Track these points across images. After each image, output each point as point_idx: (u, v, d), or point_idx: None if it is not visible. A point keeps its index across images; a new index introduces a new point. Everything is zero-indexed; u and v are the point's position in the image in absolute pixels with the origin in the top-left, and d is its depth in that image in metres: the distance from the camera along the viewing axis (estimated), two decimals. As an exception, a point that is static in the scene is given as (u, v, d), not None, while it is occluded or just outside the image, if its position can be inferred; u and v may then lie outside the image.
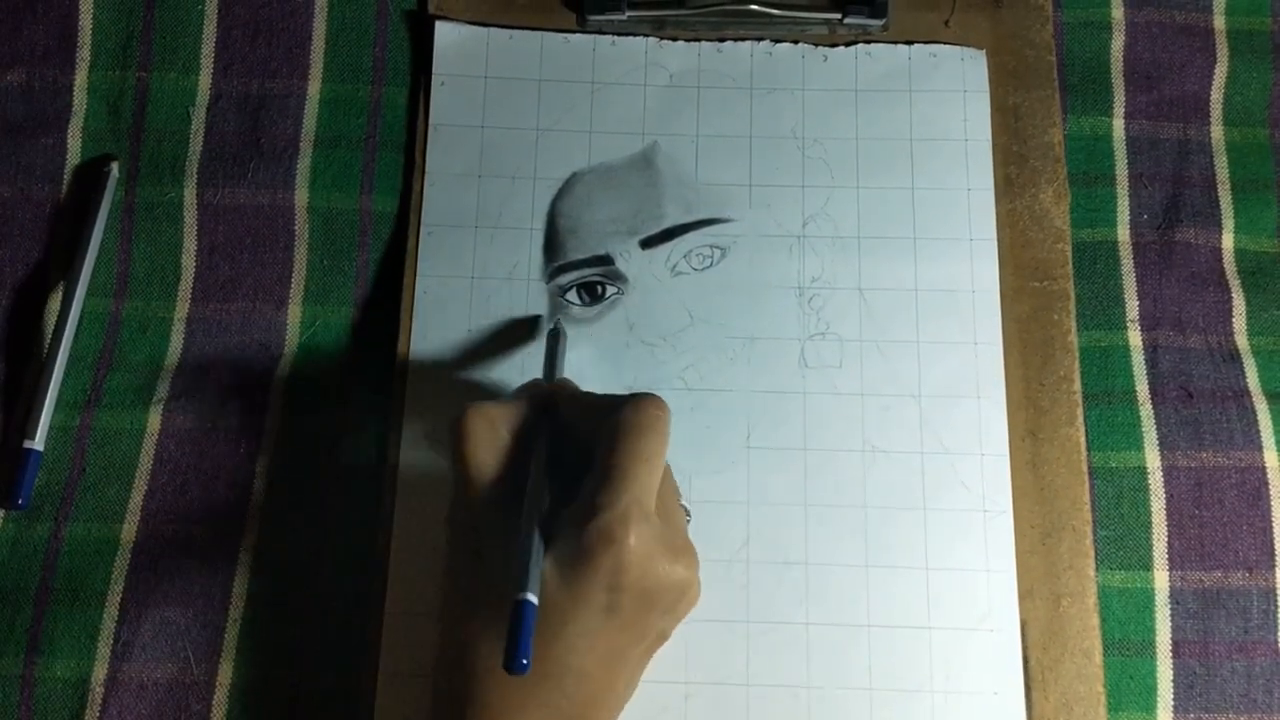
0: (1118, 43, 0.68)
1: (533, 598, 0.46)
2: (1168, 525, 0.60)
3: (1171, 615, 0.59)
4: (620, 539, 0.48)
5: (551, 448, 0.53)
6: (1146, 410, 0.62)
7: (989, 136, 0.66)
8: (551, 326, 0.61)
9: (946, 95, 0.67)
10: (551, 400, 0.54)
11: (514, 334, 0.63)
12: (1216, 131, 0.67)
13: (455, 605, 0.52)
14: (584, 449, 0.52)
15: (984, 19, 0.68)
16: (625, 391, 0.59)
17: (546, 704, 0.49)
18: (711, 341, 0.63)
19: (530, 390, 0.55)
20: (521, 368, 0.62)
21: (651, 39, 0.68)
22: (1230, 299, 0.64)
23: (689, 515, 0.58)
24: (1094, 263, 0.65)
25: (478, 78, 0.67)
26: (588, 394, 0.55)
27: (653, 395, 0.52)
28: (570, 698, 0.49)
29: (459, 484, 0.52)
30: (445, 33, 0.67)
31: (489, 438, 0.52)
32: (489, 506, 0.51)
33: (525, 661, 0.45)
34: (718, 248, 0.64)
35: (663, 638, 0.53)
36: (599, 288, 0.63)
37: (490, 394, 0.61)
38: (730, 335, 0.63)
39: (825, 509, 0.60)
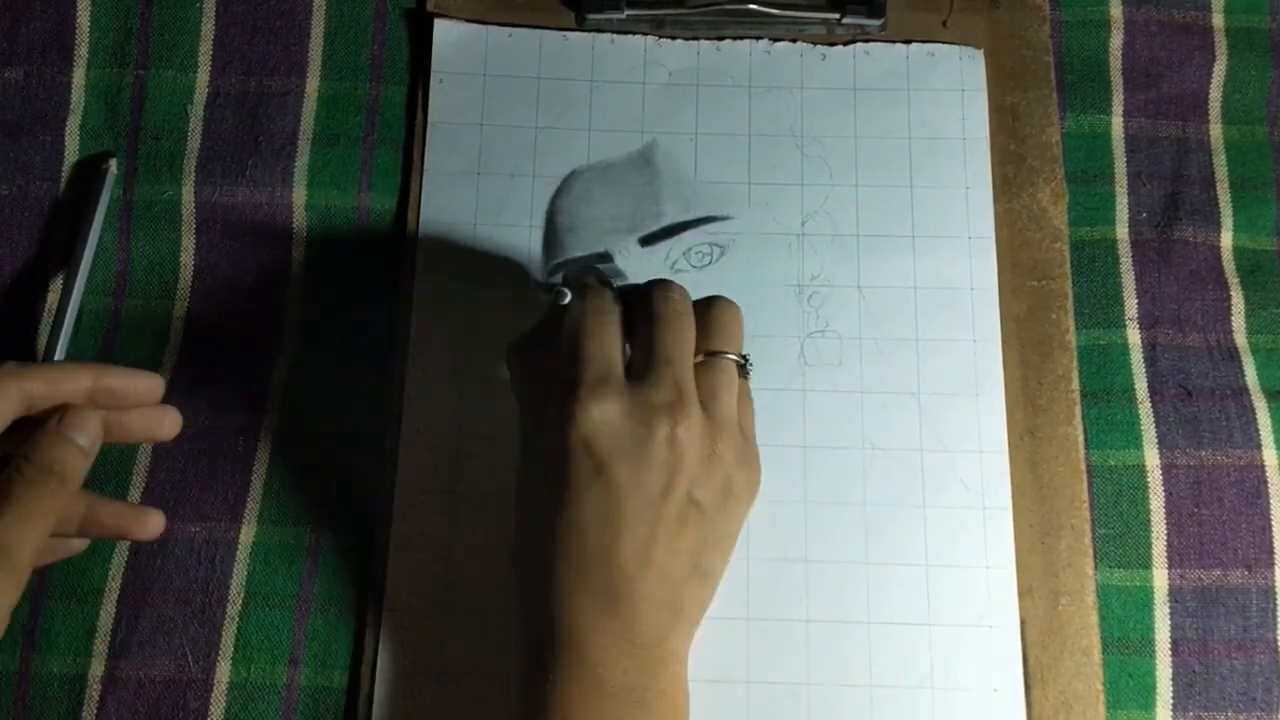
0: (1116, 41, 0.68)
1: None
2: (1167, 524, 0.60)
3: (1170, 614, 0.59)
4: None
5: None
6: (1145, 409, 0.62)
7: (987, 135, 0.66)
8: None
9: (944, 94, 0.67)
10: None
11: (514, 326, 0.62)
12: (1215, 130, 0.67)
13: (534, 566, 0.52)
14: None
15: (981, 19, 0.68)
16: None
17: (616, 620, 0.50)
18: (710, 339, 0.63)
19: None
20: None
21: (650, 37, 0.68)
22: (1229, 297, 0.64)
23: None
24: (1093, 261, 0.65)
25: (476, 76, 0.67)
26: None
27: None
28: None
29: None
30: (444, 31, 0.67)
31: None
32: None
33: None
34: (717, 245, 0.64)
35: (696, 507, 0.52)
36: (598, 286, 0.63)
37: (489, 390, 0.61)
38: (729, 333, 0.63)
39: (825, 506, 0.60)
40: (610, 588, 0.50)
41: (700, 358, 0.53)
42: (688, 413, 0.51)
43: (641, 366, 0.52)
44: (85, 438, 0.48)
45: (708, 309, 0.55)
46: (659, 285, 0.54)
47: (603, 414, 0.50)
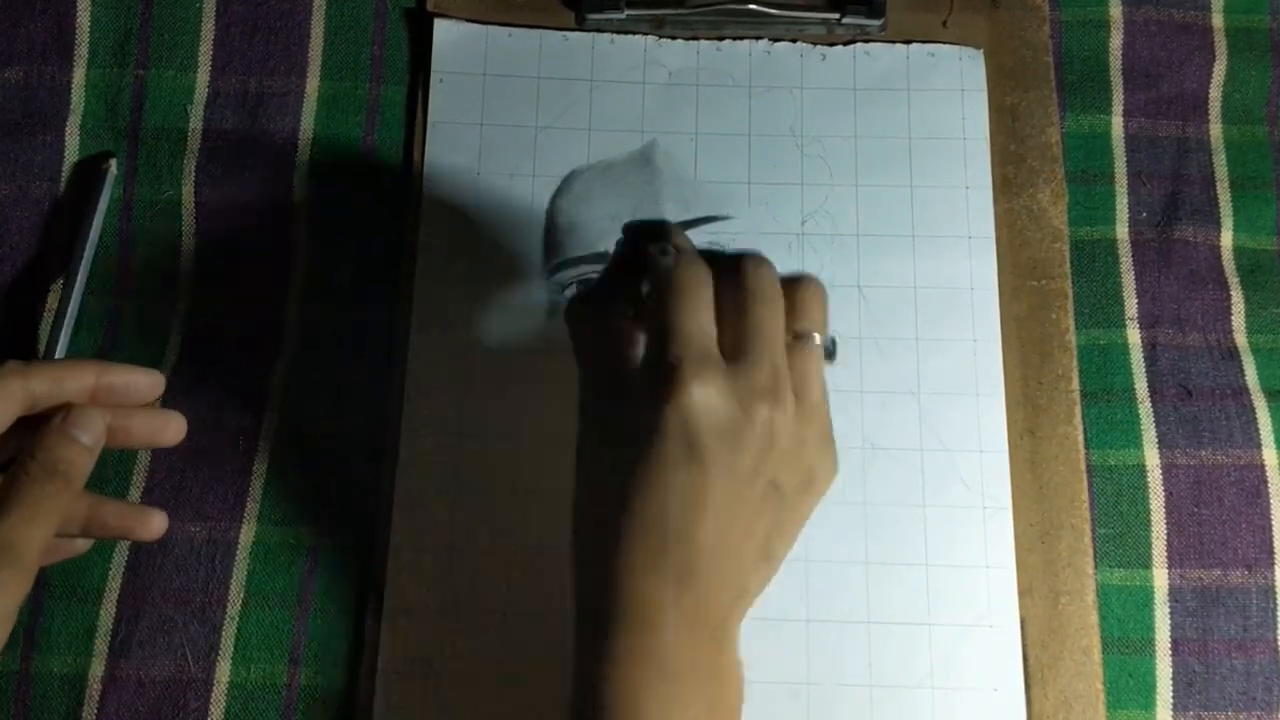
0: (1116, 41, 0.68)
1: None
2: (1167, 523, 0.60)
3: (1171, 613, 0.59)
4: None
5: None
6: (1145, 408, 0.62)
7: (987, 135, 0.66)
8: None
9: (944, 94, 0.67)
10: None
11: (515, 326, 0.63)
12: (1215, 129, 0.67)
13: (599, 541, 0.50)
14: None
15: (981, 19, 0.68)
16: None
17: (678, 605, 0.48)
18: (710, 339, 0.63)
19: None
20: (524, 361, 0.62)
21: (650, 37, 0.68)
22: (1229, 297, 0.64)
23: None
24: (1093, 261, 0.65)
25: (476, 76, 0.67)
26: None
27: None
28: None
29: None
30: (444, 31, 0.67)
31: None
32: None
33: None
34: (717, 245, 0.64)
35: (776, 491, 0.50)
36: (598, 285, 0.63)
37: (489, 391, 0.61)
38: (729, 333, 0.62)
39: (825, 505, 0.59)
40: (684, 568, 0.47)
41: (789, 338, 0.51)
42: (784, 399, 0.49)
43: (738, 345, 0.49)
44: (89, 436, 0.49)
45: (795, 287, 0.52)
46: (752, 259, 0.51)
47: (704, 396, 0.47)
